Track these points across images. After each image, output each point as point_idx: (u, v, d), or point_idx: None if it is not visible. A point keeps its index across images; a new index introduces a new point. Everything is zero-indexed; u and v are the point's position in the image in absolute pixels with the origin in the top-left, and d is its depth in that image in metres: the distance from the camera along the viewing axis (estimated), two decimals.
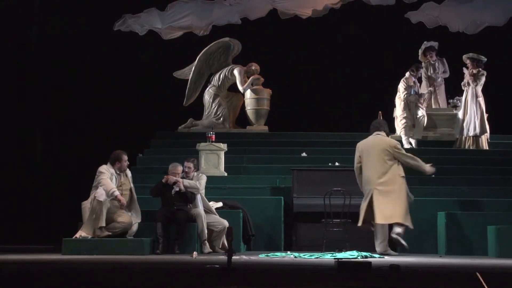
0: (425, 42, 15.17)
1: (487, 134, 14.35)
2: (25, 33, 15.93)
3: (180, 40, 15.86)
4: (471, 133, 14.28)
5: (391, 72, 15.04)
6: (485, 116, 14.30)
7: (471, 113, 14.26)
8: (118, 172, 10.73)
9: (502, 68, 15.95)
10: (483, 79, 14.33)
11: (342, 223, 10.72)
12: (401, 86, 14.52)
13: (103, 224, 10.36)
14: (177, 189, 10.93)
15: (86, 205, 10.51)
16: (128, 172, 10.92)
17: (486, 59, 14.44)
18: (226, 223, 10.97)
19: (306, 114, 16.64)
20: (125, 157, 10.80)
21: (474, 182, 12.85)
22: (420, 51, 15.21)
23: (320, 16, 15.69)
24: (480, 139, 14.30)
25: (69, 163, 15.34)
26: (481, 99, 14.30)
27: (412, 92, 14.50)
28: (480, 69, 14.38)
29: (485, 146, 14.31)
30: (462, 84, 14.44)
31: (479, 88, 14.33)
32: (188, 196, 10.98)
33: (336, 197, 10.81)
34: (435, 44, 15.08)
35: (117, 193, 10.49)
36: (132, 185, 10.87)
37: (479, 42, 15.74)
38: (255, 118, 15.23)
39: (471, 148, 14.23)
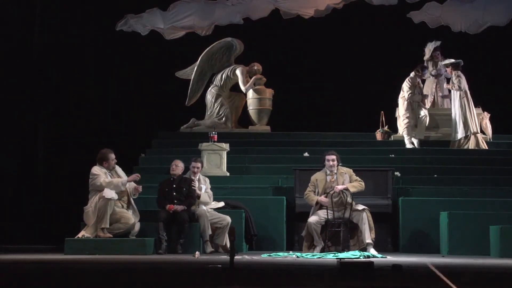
0: (434, 41, 15.18)
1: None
2: (26, 33, 15.92)
3: (182, 40, 15.84)
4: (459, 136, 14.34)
5: (393, 72, 15.03)
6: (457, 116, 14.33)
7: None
8: (109, 171, 10.67)
9: (502, 68, 15.95)
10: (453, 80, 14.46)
11: (344, 223, 10.71)
12: (406, 86, 14.49)
13: (107, 225, 10.34)
14: (196, 185, 11.12)
15: (89, 209, 10.43)
16: (118, 169, 10.82)
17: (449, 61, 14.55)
18: (229, 218, 11.02)
19: (308, 114, 16.63)
20: (112, 156, 10.68)
21: (476, 182, 12.84)
22: (427, 51, 15.20)
23: (322, 16, 15.68)
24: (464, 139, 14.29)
25: (71, 163, 15.33)
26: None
27: (416, 92, 14.49)
28: (456, 72, 14.45)
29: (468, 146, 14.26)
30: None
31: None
32: (191, 196, 11.01)
33: (338, 196, 10.80)
34: (439, 42, 15.15)
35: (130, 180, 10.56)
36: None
37: (482, 42, 15.73)
38: (257, 118, 15.22)
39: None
